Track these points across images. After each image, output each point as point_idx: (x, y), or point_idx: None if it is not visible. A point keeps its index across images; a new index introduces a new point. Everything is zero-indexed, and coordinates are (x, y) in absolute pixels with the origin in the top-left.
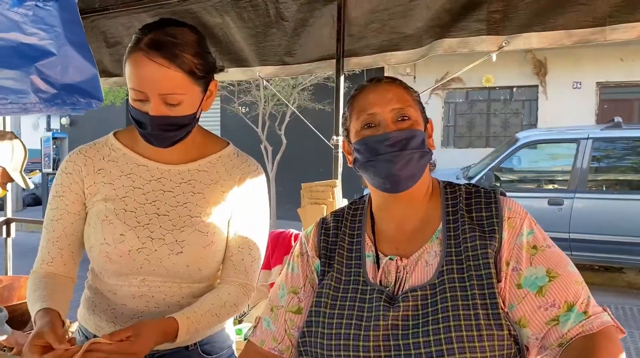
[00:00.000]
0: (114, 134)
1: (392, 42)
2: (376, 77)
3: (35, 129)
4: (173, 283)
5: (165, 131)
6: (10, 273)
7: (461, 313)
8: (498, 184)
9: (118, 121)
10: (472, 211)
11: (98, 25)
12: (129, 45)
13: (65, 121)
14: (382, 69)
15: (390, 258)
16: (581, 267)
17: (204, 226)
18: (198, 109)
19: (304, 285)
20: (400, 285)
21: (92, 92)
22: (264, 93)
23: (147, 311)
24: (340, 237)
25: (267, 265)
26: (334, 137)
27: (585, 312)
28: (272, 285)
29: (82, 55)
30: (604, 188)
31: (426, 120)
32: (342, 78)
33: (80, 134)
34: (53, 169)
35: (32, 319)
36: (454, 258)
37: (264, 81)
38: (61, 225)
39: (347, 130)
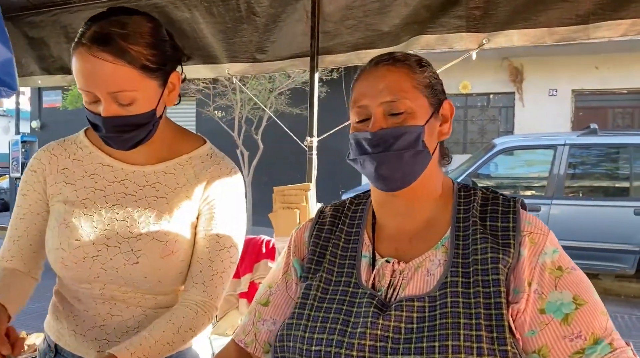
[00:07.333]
0: (85, 132)
1: (368, 39)
2: (378, 57)
3: (5, 133)
4: (136, 292)
5: (122, 133)
6: None
7: (462, 332)
8: None
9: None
10: (486, 219)
11: (59, 20)
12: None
13: (35, 124)
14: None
15: (386, 260)
16: None
17: (163, 235)
18: (157, 105)
19: (279, 280)
20: (394, 292)
21: (3, 78)
22: (240, 97)
23: (110, 319)
24: (336, 234)
25: (237, 274)
26: (308, 138)
27: (610, 344)
28: (241, 294)
29: None
30: (581, 195)
31: (437, 104)
32: (316, 76)
33: (50, 138)
34: (21, 173)
35: None
36: (460, 270)
37: (240, 84)
38: (24, 224)
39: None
